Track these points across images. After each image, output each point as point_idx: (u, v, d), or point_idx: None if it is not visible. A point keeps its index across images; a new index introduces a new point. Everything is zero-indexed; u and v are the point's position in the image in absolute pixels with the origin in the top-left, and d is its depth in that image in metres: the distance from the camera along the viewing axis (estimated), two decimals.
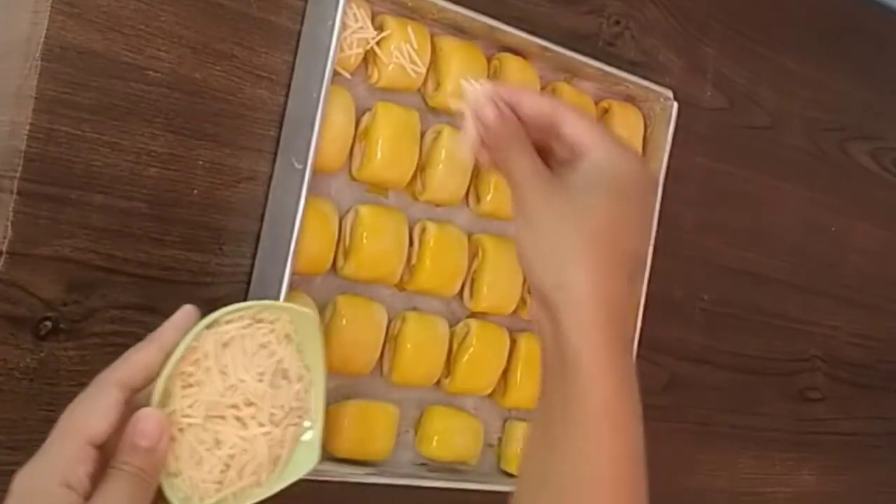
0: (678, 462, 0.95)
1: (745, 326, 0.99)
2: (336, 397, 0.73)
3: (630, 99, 0.84)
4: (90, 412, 0.53)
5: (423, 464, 0.77)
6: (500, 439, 0.81)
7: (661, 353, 0.92)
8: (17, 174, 0.61)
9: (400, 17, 0.72)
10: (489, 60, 0.76)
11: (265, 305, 0.59)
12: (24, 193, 0.61)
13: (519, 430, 0.80)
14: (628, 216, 0.57)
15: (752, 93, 0.98)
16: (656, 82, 0.82)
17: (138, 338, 0.62)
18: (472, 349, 0.76)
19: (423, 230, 0.74)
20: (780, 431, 1.04)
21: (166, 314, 0.66)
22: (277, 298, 0.65)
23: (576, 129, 0.59)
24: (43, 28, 0.61)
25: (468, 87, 0.58)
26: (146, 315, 0.65)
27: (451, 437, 0.76)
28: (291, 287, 0.66)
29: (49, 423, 0.62)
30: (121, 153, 0.64)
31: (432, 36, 0.73)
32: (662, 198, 0.82)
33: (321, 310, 0.70)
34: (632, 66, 0.87)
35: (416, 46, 0.71)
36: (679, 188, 0.89)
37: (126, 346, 0.57)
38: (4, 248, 0.61)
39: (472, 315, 0.78)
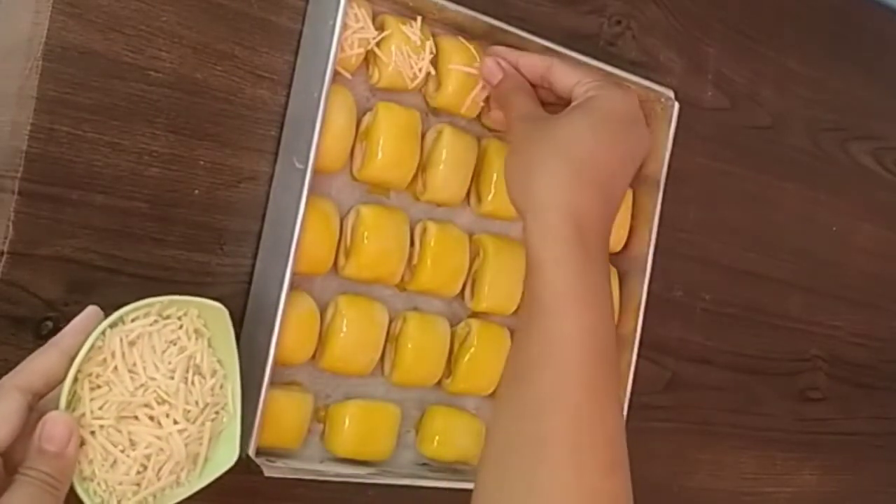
0: (679, 462, 0.95)
1: (746, 326, 0.99)
2: (337, 397, 0.73)
3: None
4: None
5: (424, 464, 0.77)
6: None
7: (661, 352, 0.92)
8: (19, 174, 0.61)
9: (400, 17, 0.72)
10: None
11: (170, 301, 0.58)
12: (25, 193, 0.61)
13: None
14: (608, 143, 0.64)
15: (754, 93, 0.98)
16: (657, 82, 0.82)
17: None
18: (473, 349, 0.76)
19: (424, 230, 0.74)
20: (781, 431, 1.04)
21: None
22: (278, 299, 0.65)
23: (564, 75, 0.69)
24: (44, 28, 0.61)
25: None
26: None
27: (452, 437, 0.76)
28: (292, 287, 0.66)
29: None
30: (122, 153, 0.64)
31: (433, 36, 0.73)
32: (663, 197, 0.82)
33: (322, 310, 0.70)
34: (633, 66, 0.87)
35: (416, 46, 0.71)
36: (680, 188, 0.89)
37: None
38: (5, 248, 0.61)
39: (474, 315, 0.78)
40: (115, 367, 0.55)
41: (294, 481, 0.69)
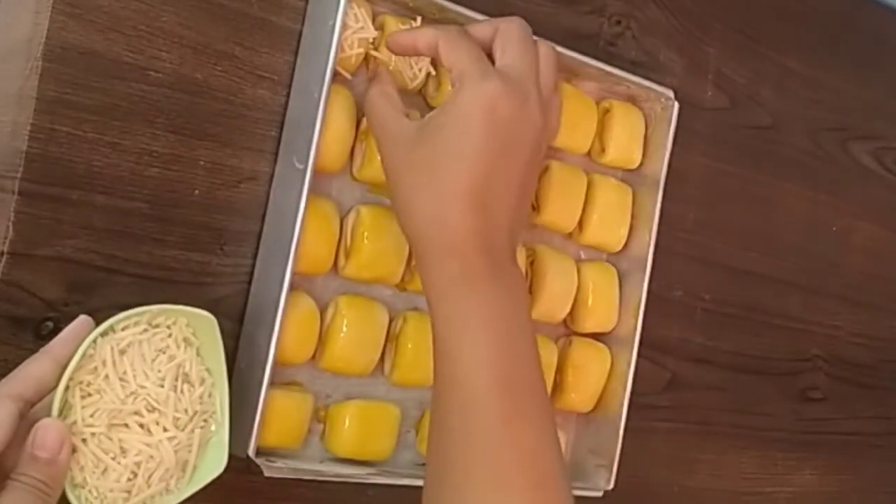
0: (679, 462, 0.95)
1: (746, 326, 0.99)
2: (337, 397, 0.73)
3: (631, 99, 0.84)
4: None
5: (424, 464, 0.77)
6: None
7: (661, 352, 0.92)
8: (19, 174, 0.61)
9: (400, 17, 0.72)
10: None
11: (160, 310, 0.59)
12: (26, 194, 0.61)
13: None
14: (475, 156, 0.59)
15: (754, 92, 0.98)
16: (657, 82, 0.82)
17: None
18: None
19: None
20: (781, 431, 1.04)
21: None
22: (278, 299, 0.65)
23: (444, 58, 0.64)
24: (44, 28, 0.61)
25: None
26: None
27: None
28: (292, 287, 0.66)
29: None
30: (122, 153, 0.64)
31: None
32: (663, 197, 0.82)
33: (322, 310, 0.70)
34: (633, 66, 0.87)
35: None
36: (680, 188, 0.89)
37: None
38: (5, 249, 0.61)
39: None
40: (106, 376, 0.56)
41: (294, 481, 0.69)
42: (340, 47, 0.68)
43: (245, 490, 0.70)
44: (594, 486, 0.80)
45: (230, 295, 0.69)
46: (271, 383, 0.65)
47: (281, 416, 0.68)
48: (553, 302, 0.79)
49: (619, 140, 0.82)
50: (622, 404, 0.81)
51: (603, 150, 0.83)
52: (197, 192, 0.67)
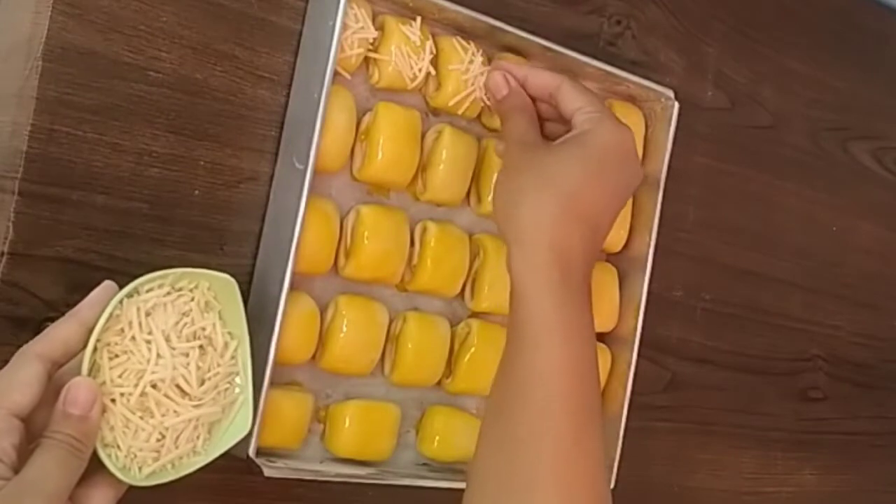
0: (679, 462, 0.95)
1: (746, 326, 0.99)
2: (337, 397, 0.73)
3: (631, 99, 0.84)
4: (12, 385, 0.53)
5: (424, 464, 0.77)
6: None
7: (662, 352, 0.92)
8: (19, 175, 0.61)
9: (400, 17, 0.72)
10: (490, 60, 0.76)
11: (182, 273, 0.59)
12: (26, 194, 0.61)
13: None
14: (598, 180, 0.65)
15: (754, 92, 0.98)
16: (657, 82, 0.82)
17: None
18: (473, 349, 0.76)
19: (424, 230, 0.74)
20: (781, 431, 1.04)
21: None
22: (278, 300, 0.65)
23: (569, 99, 0.68)
24: (44, 28, 0.61)
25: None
26: None
27: (452, 437, 0.76)
28: (292, 287, 0.66)
29: None
30: (122, 154, 0.64)
31: (433, 36, 0.73)
32: (663, 197, 0.82)
33: (322, 310, 0.70)
34: (633, 66, 0.87)
35: (416, 46, 0.71)
36: (680, 188, 0.89)
37: None
38: (6, 249, 0.61)
39: (474, 315, 0.78)
40: (133, 337, 0.56)
41: (294, 481, 0.69)
42: (340, 47, 0.68)
43: (245, 490, 0.70)
44: None
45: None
46: (271, 383, 0.65)
47: (281, 416, 0.68)
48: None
49: None
50: (622, 404, 0.81)
51: None
52: (197, 192, 0.67)
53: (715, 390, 0.97)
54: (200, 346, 0.58)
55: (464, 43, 0.74)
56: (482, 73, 0.74)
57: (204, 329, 0.59)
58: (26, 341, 0.57)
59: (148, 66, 0.65)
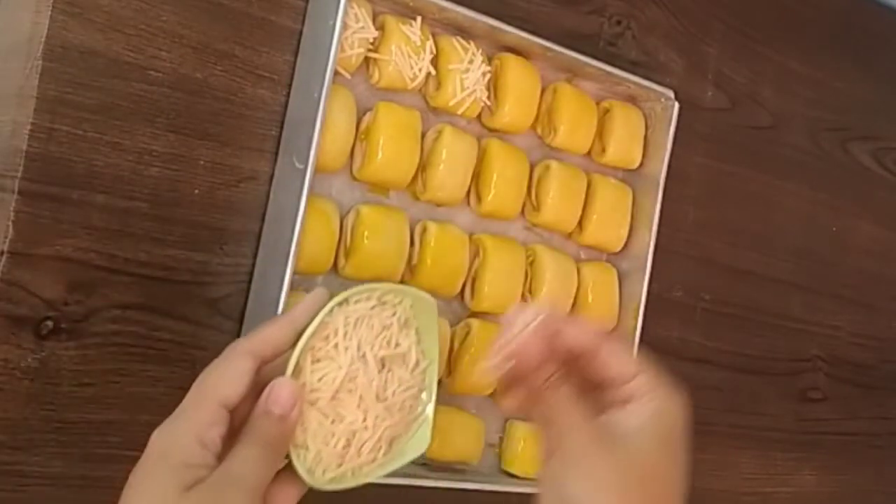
0: None
1: (746, 326, 0.99)
2: None
3: (631, 99, 0.84)
4: (223, 377, 0.54)
5: (424, 464, 0.77)
6: (501, 439, 0.81)
7: (661, 352, 0.92)
8: (19, 174, 0.61)
9: (400, 17, 0.72)
10: (490, 60, 0.76)
11: (390, 288, 0.60)
12: (26, 193, 0.61)
13: (520, 431, 0.80)
14: (674, 458, 0.61)
15: (754, 93, 0.98)
16: (657, 82, 0.82)
17: (139, 337, 0.63)
18: (473, 349, 0.76)
19: (424, 230, 0.74)
20: (781, 431, 1.04)
21: (167, 314, 0.66)
22: (277, 298, 0.65)
23: (620, 362, 0.60)
24: (44, 28, 0.61)
25: (516, 315, 0.55)
26: (147, 315, 0.65)
27: (452, 436, 0.76)
28: (292, 287, 0.66)
29: (50, 422, 0.63)
30: (122, 153, 0.64)
31: (433, 36, 0.73)
32: (663, 197, 0.82)
33: None
34: (633, 66, 0.87)
35: (416, 46, 0.71)
36: (680, 188, 0.89)
37: (127, 346, 0.57)
38: (6, 248, 0.61)
39: (473, 315, 0.78)
40: (336, 344, 0.57)
41: None
42: (340, 47, 0.68)
43: None
44: None
45: (230, 294, 0.69)
46: None
47: None
48: (553, 302, 0.79)
49: (619, 140, 0.82)
50: None
51: (603, 150, 0.83)
52: (197, 191, 0.67)
53: (715, 390, 0.97)
54: (394, 361, 0.60)
55: (464, 43, 0.74)
56: (483, 74, 0.74)
57: (400, 344, 0.60)
58: (26, 340, 0.57)
59: (148, 65, 0.65)
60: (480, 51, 0.74)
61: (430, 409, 0.61)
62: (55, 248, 0.62)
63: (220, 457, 0.52)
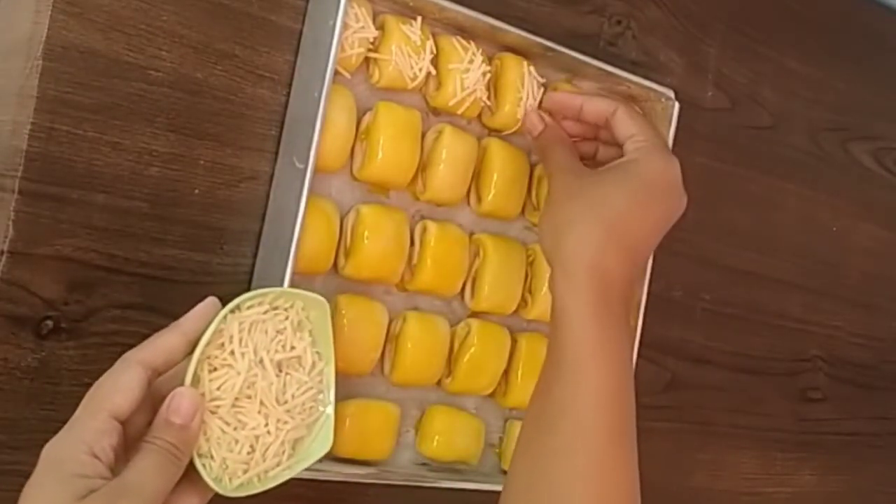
0: (679, 462, 0.95)
1: (746, 326, 0.99)
2: (337, 397, 0.73)
3: (631, 99, 0.84)
4: (114, 387, 0.54)
5: (423, 464, 0.77)
6: (501, 439, 0.81)
7: (661, 353, 0.92)
8: (19, 173, 0.61)
9: (401, 17, 0.72)
10: (490, 60, 0.76)
11: (281, 292, 0.61)
12: (26, 193, 0.61)
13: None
14: (642, 209, 0.67)
15: (754, 93, 0.98)
16: (658, 82, 0.82)
17: (140, 337, 0.62)
18: (472, 349, 0.76)
19: (424, 230, 0.74)
20: (781, 431, 1.04)
21: (167, 314, 0.66)
22: None
23: (623, 125, 0.71)
24: (44, 28, 0.61)
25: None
26: (147, 314, 0.65)
27: (452, 437, 0.76)
28: (292, 286, 0.66)
29: (50, 422, 0.62)
30: (122, 153, 0.64)
31: (434, 35, 0.73)
32: None
33: None
34: (633, 66, 0.87)
35: (416, 46, 0.71)
36: None
37: (127, 346, 0.57)
38: (6, 248, 0.61)
39: (473, 315, 0.78)
40: (232, 351, 0.58)
41: (293, 481, 0.68)
42: (341, 47, 0.68)
43: None
44: None
45: (230, 294, 0.68)
46: None
47: None
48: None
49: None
50: None
51: None
52: (197, 191, 0.67)
53: (714, 390, 0.97)
54: (291, 364, 0.60)
55: (464, 43, 0.74)
56: (483, 74, 0.74)
57: (295, 347, 0.60)
58: (26, 340, 0.57)
59: (148, 65, 0.65)
60: (480, 51, 0.74)
61: (330, 409, 0.62)
62: (55, 248, 0.62)
63: (115, 469, 0.52)
